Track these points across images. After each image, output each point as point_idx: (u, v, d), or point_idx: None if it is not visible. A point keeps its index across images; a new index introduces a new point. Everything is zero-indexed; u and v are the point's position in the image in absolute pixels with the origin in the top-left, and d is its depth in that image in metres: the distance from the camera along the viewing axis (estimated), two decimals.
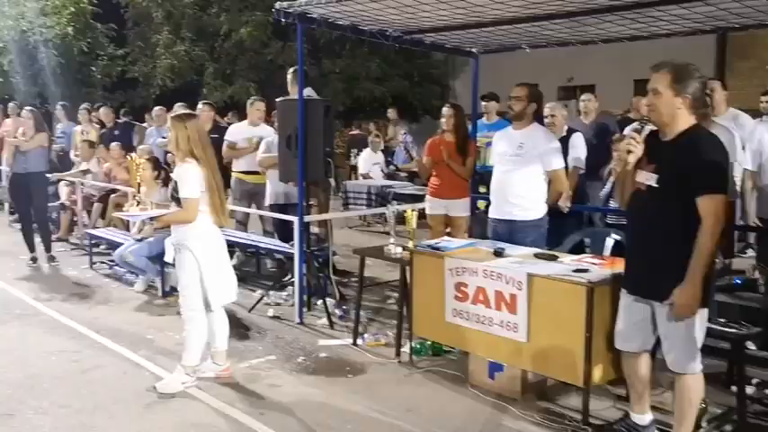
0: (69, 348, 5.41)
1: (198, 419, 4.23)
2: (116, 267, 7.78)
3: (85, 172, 9.83)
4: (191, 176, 4.48)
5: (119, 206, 8.87)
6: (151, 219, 4.77)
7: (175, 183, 4.56)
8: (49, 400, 4.46)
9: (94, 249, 8.47)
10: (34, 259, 8.27)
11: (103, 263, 8.26)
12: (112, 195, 9.26)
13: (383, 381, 4.86)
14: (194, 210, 4.50)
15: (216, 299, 4.66)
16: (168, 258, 4.86)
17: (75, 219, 9.92)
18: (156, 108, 10.75)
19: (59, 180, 10.01)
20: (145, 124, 11.57)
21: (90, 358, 5.21)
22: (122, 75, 19.35)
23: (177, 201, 4.57)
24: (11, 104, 12.53)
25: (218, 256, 4.69)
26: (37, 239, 8.38)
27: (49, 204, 9.33)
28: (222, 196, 4.70)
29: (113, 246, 7.69)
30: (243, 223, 8.21)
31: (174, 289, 6.99)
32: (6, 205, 11.72)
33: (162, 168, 7.45)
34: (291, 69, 7.04)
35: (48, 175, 8.80)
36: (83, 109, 11.43)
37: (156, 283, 7.13)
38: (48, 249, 8.40)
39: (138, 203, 4.81)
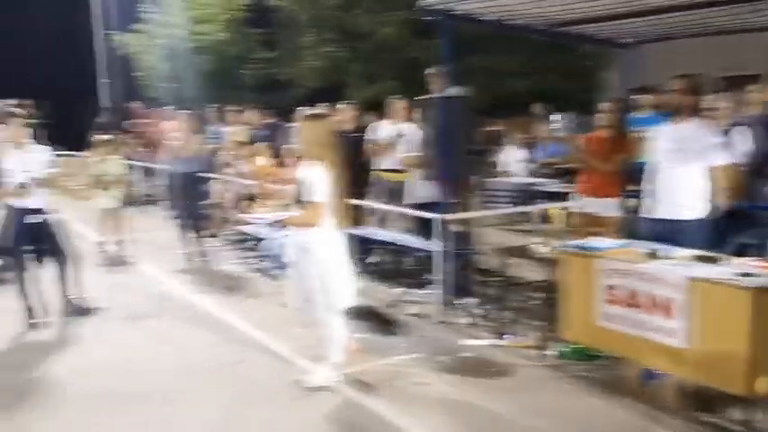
0: (221, 341, 5.65)
1: (342, 414, 4.29)
2: (264, 262, 8.07)
3: (235, 172, 10.27)
4: (319, 179, 4.43)
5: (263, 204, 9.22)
6: (276, 222, 4.69)
7: (302, 185, 4.50)
8: (203, 390, 4.67)
9: (243, 245, 8.84)
10: (189, 254, 8.73)
11: (252, 258, 8.60)
12: (260, 193, 9.61)
13: (528, 384, 4.71)
14: (321, 213, 4.46)
15: (340, 302, 4.61)
16: (287, 259, 4.84)
17: (225, 216, 10.41)
18: (301, 108, 11.05)
19: (211, 179, 10.53)
20: (292, 124, 11.91)
21: (240, 351, 5.42)
22: (272, 77, 20.12)
23: (302, 202, 4.53)
24: (170, 108, 13.34)
25: (341, 259, 4.63)
26: (191, 236, 8.84)
27: (203, 202, 9.83)
28: (345, 199, 4.62)
29: (260, 240, 7.97)
30: (384, 221, 8.27)
31: None
32: (165, 203, 12.49)
33: None
34: (433, 67, 7.00)
35: (201, 175, 9.26)
36: (233, 111, 11.97)
37: None
38: (200, 245, 8.84)
39: (264, 206, 4.74)
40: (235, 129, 11.55)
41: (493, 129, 15.72)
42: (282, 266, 7.28)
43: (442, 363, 5.11)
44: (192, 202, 8.70)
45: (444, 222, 6.04)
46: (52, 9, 21.63)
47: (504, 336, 5.48)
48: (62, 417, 4.32)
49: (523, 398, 4.46)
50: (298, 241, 4.61)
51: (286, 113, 13.27)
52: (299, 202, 4.55)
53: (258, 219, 4.66)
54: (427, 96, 6.55)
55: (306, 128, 4.55)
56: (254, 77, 20.01)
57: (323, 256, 4.49)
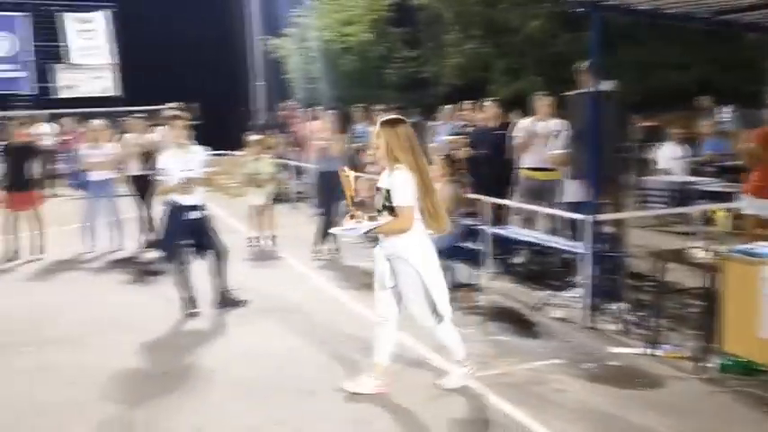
0: (361, 335, 5.70)
1: (479, 416, 4.21)
2: None
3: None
4: (403, 183, 4.28)
5: None
6: (366, 232, 4.43)
7: (387, 191, 4.34)
8: (340, 385, 4.71)
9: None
10: (330, 250, 8.91)
11: None
12: None
13: (682, 398, 4.39)
14: (410, 218, 4.29)
15: (446, 307, 4.44)
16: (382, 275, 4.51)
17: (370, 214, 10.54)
18: (445, 106, 11.01)
19: (357, 177, 10.71)
20: (436, 122, 11.93)
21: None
22: (414, 75, 20.26)
23: (389, 209, 4.35)
24: (317, 108, 13.76)
25: (435, 264, 4.44)
26: (332, 232, 8.99)
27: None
28: (435, 201, 4.40)
29: None
30: (530, 221, 8.06)
31: (458, 284, 7.08)
32: (312, 201, 12.88)
33: (454, 165, 7.56)
34: (584, 62, 6.70)
35: None
36: (377, 110, 12.11)
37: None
38: (335, 241, 8.98)
39: (353, 217, 4.46)
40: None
41: (649, 124, 14.89)
42: None
43: (587, 370, 4.88)
44: (334, 200, 8.88)
45: (593, 223, 5.76)
46: (208, 15, 23.00)
47: (658, 345, 5.14)
48: (207, 400, 4.53)
49: (675, 412, 4.16)
50: (387, 250, 4.42)
51: (429, 112, 13.33)
52: (385, 209, 4.37)
53: (348, 229, 4.36)
54: (575, 92, 6.29)
55: (385, 133, 4.38)
56: (398, 76, 20.23)
57: (415, 262, 4.32)
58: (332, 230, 5.30)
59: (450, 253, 7.09)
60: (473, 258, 7.29)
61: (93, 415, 4.37)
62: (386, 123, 4.43)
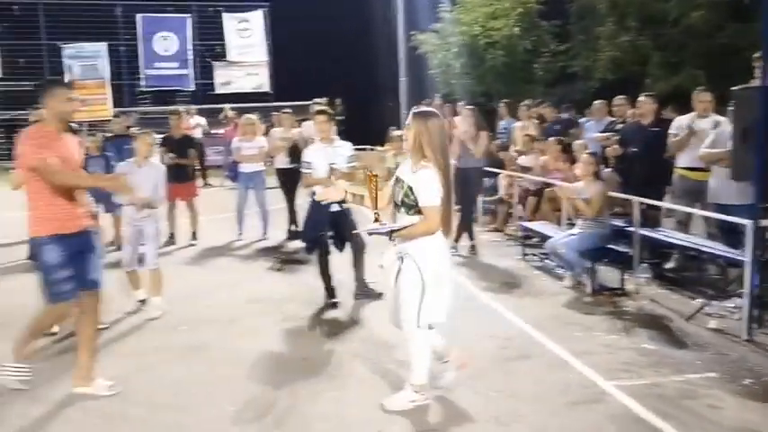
0: (500, 335, 5.59)
1: (619, 425, 4.01)
2: (546, 260, 7.87)
3: (524, 168, 10.17)
4: (430, 182, 3.99)
5: (552, 200, 8.97)
6: (391, 232, 4.11)
7: (409, 188, 4.06)
8: (484, 382, 4.65)
9: (527, 242, 8.71)
10: (467, 247, 8.81)
11: (534, 255, 8.43)
12: (546, 189, 9.39)
13: None
14: (437, 219, 4.01)
15: (425, 317, 4.11)
16: (384, 263, 4.26)
17: (510, 211, 10.36)
18: (596, 102, 10.58)
19: (498, 174, 10.54)
20: (585, 119, 11.50)
21: (518, 347, 5.31)
22: (563, 70, 19.68)
23: (409, 207, 4.08)
24: (460, 104, 13.65)
25: (442, 270, 4.13)
26: (469, 229, 8.90)
27: (489, 198, 9.86)
28: (452, 205, 4.13)
29: (545, 238, 7.77)
30: (684, 224, 7.56)
31: (603, 288, 6.78)
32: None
33: (599, 163, 7.26)
34: (756, 54, 6.17)
35: (486, 169, 9.28)
36: (523, 105, 11.86)
37: (584, 279, 6.98)
38: (471, 238, 8.85)
39: (377, 219, 4.20)
40: (525, 123, 11.44)
41: None
42: (568, 266, 7.03)
43: (745, 386, 4.51)
44: (472, 196, 8.77)
45: (759, 228, 5.30)
46: (354, 12, 23.51)
47: None
48: (345, 389, 4.60)
49: None
50: (400, 248, 4.16)
51: (577, 107, 12.87)
52: (404, 205, 4.11)
53: (373, 230, 4.10)
54: (744, 86, 5.81)
55: (416, 126, 4.08)
56: (545, 71, 19.71)
57: (422, 265, 4.04)
58: (356, 231, 5.14)
59: (595, 255, 6.82)
60: (620, 261, 6.96)
61: (239, 393, 4.57)
62: (418, 115, 4.13)
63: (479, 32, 19.58)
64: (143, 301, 6.54)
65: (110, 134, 10.51)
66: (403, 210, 4.13)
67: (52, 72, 22.67)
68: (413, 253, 4.07)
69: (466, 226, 8.78)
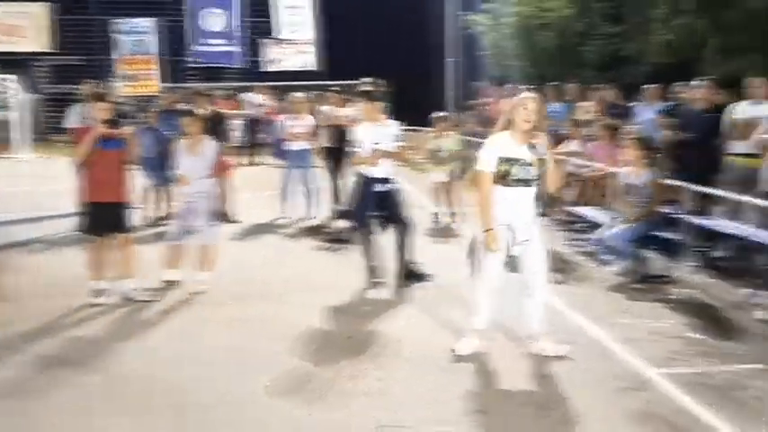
0: (545, 320, 5.55)
1: (665, 414, 3.98)
2: (595, 247, 7.77)
3: (571, 153, 10.01)
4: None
5: (599, 185, 8.84)
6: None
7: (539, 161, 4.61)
8: (528, 367, 4.65)
9: (574, 227, 8.61)
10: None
11: (581, 240, 8.33)
12: (593, 175, 9.25)
13: None
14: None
15: None
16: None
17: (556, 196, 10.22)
18: (649, 86, 10.36)
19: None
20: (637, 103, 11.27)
21: (563, 333, 5.26)
22: (615, 53, 19.27)
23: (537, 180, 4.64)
24: (511, 85, 13.52)
25: None
26: None
27: None
28: None
29: (592, 224, 7.68)
30: (736, 211, 7.39)
31: (652, 275, 6.69)
32: None
33: (651, 149, 7.12)
34: None
35: None
36: (575, 88, 11.67)
37: (633, 266, 6.88)
38: None
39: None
40: (577, 106, 11.27)
41: None
42: (618, 255, 6.92)
43: None
44: None
45: None
46: None
47: None
48: (387, 369, 4.62)
49: None
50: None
51: (628, 92, 12.62)
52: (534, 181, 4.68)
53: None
54: None
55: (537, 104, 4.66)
56: (597, 54, 19.30)
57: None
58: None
59: (643, 242, 6.72)
60: (669, 249, 6.85)
61: (279, 365, 4.67)
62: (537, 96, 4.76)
63: (532, 13, 19.27)
64: (172, 282, 6.46)
65: (159, 109, 10.65)
66: (530, 185, 4.63)
67: (101, 47, 23.06)
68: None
69: None
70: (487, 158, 4.62)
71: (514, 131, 4.63)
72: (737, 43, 16.70)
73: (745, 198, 6.94)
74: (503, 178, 4.58)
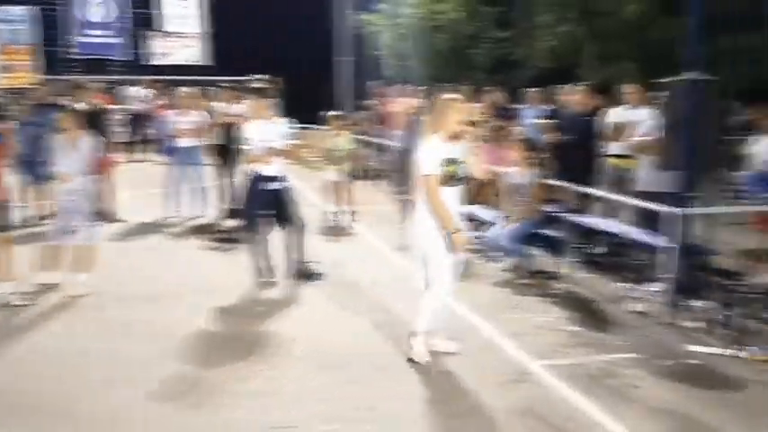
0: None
1: (543, 405, 4.14)
2: (486, 245, 7.95)
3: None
4: None
5: (491, 185, 9.06)
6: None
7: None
8: (411, 366, 4.71)
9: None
10: (405, 228, 8.86)
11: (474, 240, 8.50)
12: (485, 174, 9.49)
13: (762, 401, 4.19)
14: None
15: None
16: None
17: None
18: (532, 89, 10.76)
19: None
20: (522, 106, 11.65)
21: (452, 329, 5.34)
22: (504, 57, 19.86)
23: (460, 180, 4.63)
24: (406, 86, 13.64)
25: None
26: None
27: None
28: None
29: (481, 223, 7.86)
30: (612, 210, 7.80)
31: (538, 272, 6.93)
32: (392, 178, 12.82)
33: (535, 150, 7.38)
34: (683, 48, 6.39)
35: None
36: (462, 90, 11.89)
37: (519, 263, 7.11)
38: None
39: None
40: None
41: (755, 117, 13.97)
42: (505, 253, 7.13)
43: (663, 367, 4.70)
44: (409, 176, 8.79)
45: (678, 216, 5.52)
46: None
47: (743, 346, 4.90)
48: (276, 369, 4.60)
49: (757, 420, 3.96)
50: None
51: (514, 95, 13.06)
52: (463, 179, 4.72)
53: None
54: (669, 79, 6.01)
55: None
56: (487, 57, 19.86)
57: None
58: None
59: (528, 239, 6.96)
60: (552, 246, 7.13)
61: (166, 370, 4.54)
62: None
63: (425, 15, 19.59)
64: (49, 285, 6.13)
65: (34, 102, 10.04)
66: (462, 182, 4.72)
67: None
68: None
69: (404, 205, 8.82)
70: (433, 161, 4.61)
71: (446, 132, 4.65)
72: (614, 51, 17.65)
73: (620, 197, 7.34)
74: (450, 179, 4.62)
